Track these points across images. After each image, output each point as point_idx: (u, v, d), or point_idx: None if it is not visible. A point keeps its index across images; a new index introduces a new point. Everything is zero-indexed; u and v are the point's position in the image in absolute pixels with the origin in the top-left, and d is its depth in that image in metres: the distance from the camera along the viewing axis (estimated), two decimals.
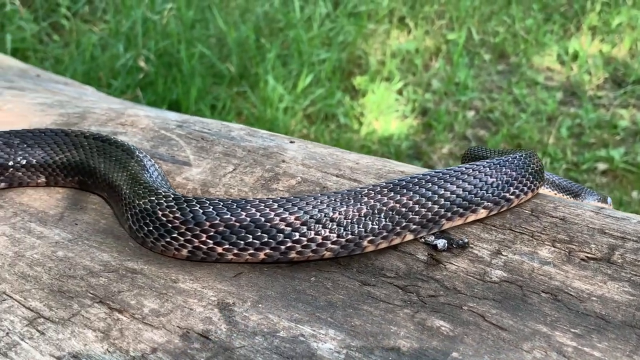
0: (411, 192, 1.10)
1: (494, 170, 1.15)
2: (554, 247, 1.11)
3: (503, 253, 1.11)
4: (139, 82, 4.59)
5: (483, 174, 1.15)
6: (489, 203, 1.14)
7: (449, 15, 5.24)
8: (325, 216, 1.08)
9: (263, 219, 1.07)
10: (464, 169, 1.16)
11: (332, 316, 1.02)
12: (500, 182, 1.15)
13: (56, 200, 1.32)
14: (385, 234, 1.10)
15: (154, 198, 1.10)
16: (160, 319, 1.01)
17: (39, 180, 1.31)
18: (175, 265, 1.14)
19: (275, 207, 1.07)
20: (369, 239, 1.10)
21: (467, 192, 1.12)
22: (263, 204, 1.07)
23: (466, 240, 1.12)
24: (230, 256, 1.09)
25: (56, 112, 1.63)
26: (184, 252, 1.10)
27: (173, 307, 1.03)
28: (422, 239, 1.15)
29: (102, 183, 1.24)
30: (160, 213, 1.08)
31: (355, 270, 1.12)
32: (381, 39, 5.09)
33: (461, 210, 1.13)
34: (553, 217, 1.17)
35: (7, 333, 1.00)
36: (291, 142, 1.44)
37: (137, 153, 1.23)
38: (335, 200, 1.08)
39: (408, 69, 5.03)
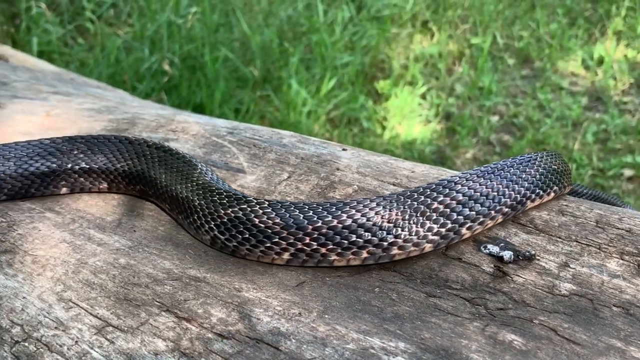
0: (499, 177, 1.16)
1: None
2: (622, 259, 1.10)
3: (571, 265, 1.10)
4: (163, 85, 4.60)
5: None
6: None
7: (473, 20, 5.22)
8: (427, 208, 1.09)
9: (365, 219, 1.07)
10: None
11: (400, 328, 1.01)
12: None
13: (112, 207, 1.32)
14: (481, 218, 1.12)
15: (245, 206, 1.10)
16: (229, 329, 1.00)
17: (100, 187, 1.32)
18: (237, 274, 1.14)
19: (374, 205, 1.08)
20: (467, 225, 1.11)
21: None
22: (361, 204, 1.08)
23: (533, 252, 1.11)
24: (333, 257, 1.09)
25: (105, 118, 1.63)
26: (285, 255, 1.11)
27: (240, 317, 1.03)
28: (487, 250, 1.13)
29: (164, 194, 1.24)
30: (257, 220, 1.08)
31: (419, 282, 1.11)
32: (404, 43, 5.07)
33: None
34: (619, 228, 1.15)
35: (76, 341, 1.00)
36: (343, 149, 1.43)
37: (200, 165, 1.23)
38: (432, 191, 1.10)
39: (431, 73, 5.01)
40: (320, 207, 1.08)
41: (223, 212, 1.11)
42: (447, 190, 1.14)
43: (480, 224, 1.15)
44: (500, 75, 5.02)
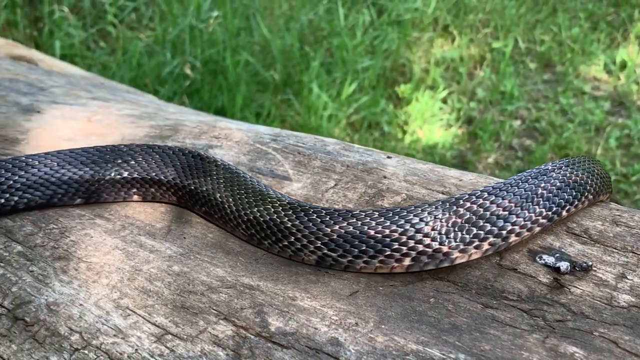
0: (551, 178, 1.18)
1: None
2: None
3: (628, 277, 1.08)
4: (185, 89, 4.63)
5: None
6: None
7: (494, 24, 5.20)
8: (473, 214, 1.10)
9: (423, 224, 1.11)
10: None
11: (459, 339, 1.00)
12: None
13: (160, 214, 1.33)
14: (529, 225, 1.14)
15: (354, 220, 1.10)
16: (287, 338, 1.00)
17: (170, 199, 1.32)
18: (290, 282, 1.14)
19: (432, 209, 1.10)
20: (515, 232, 1.13)
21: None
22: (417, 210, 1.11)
23: (590, 263, 1.10)
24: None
25: (147, 124, 1.64)
26: (407, 261, 1.11)
27: (298, 326, 1.03)
28: (542, 261, 1.13)
29: (237, 218, 1.23)
30: (372, 232, 1.09)
31: (475, 292, 1.10)
32: (425, 47, 5.06)
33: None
34: None
35: (136, 350, 1.00)
36: (388, 157, 1.43)
37: (264, 185, 1.24)
38: (477, 198, 1.12)
39: (452, 77, 5.00)
40: (390, 212, 1.11)
41: (330, 230, 1.11)
42: (493, 197, 1.14)
43: (529, 230, 1.15)
44: (521, 79, 5.00)
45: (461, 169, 4.82)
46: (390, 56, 4.96)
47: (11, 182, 1.28)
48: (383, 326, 1.03)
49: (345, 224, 1.10)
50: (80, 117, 1.72)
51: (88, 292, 1.11)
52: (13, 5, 5.04)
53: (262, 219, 1.16)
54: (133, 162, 1.32)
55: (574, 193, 1.19)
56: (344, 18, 5.02)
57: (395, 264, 1.11)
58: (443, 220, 1.10)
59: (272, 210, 1.15)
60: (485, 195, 1.13)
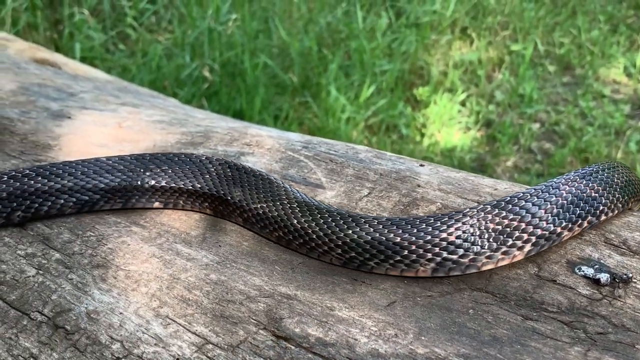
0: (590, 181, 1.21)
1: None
2: None
3: None
4: (203, 91, 4.64)
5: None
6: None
7: (513, 26, 5.17)
8: (502, 220, 1.12)
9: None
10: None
11: (501, 352, 1.00)
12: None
13: (195, 221, 1.34)
14: (575, 221, 1.16)
15: (380, 226, 1.12)
16: (328, 349, 1.00)
17: (206, 211, 1.33)
18: (327, 292, 1.14)
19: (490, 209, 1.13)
20: (563, 225, 1.14)
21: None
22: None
23: (630, 275, 1.09)
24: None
25: (178, 131, 1.65)
26: (430, 266, 1.12)
27: (337, 337, 1.03)
28: (581, 272, 1.12)
29: (265, 222, 1.25)
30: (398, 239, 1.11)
31: (514, 304, 1.09)
32: (443, 50, 5.05)
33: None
34: None
35: (178, 359, 1.00)
36: (421, 165, 1.43)
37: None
38: (507, 204, 1.14)
39: (471, 80, 4.98)
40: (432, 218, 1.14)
41: (354, 234, 1.13)
42: (523, 202, 1.14)
43: (558, 235, 1.15)
44: (540, 82, 4.97)
45: (480, 172, 4.79)
46: (409, 59, 4.95)
47: (60, 186, 1.30)
48: (423, 337, 1.03)
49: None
50: (111, 123, 1.73)
51: (127, 301, 1.11)
52: (33, 7, 5.09)
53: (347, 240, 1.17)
54: (170, 171, 1.33)
55: (604, 201, 1.20)
56: (362, 21, 5.01)
57: (422, 268, 1.13)
58: (470, 227, 1.11)
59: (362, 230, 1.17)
60: (515, 201, 1.14)
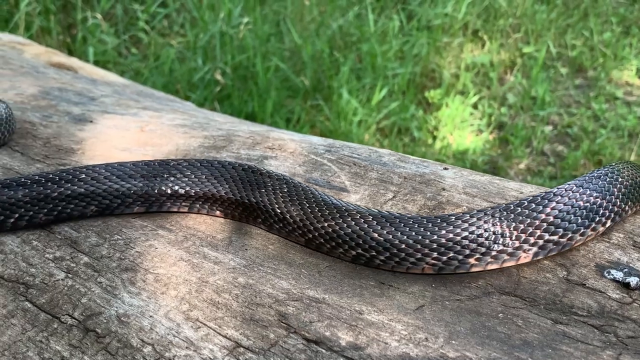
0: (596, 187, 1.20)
1: None
2: None
3: None
4: (215, 95, 4.66)
5: None
6: None
7: (524, 29, 5.16)
8: (526, 217, 1.14)
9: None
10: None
11: (532, 356, 0.99)
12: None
13: (220, 224, 1.34)
14: (582, 230, 1.16)
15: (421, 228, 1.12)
16: (359, 353, 1.00)
17: (232, 216, 1.34)
18: (355, 295, 1.14)
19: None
20: (580, 231, 1.15)
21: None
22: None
23: None
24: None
25: (200, 135, 1.65)
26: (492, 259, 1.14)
27: (368, 341, 1.03)
28: (610, 276, 1.12)
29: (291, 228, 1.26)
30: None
31: (543, 307, 1.09)
32: (455, 52, 5.04)
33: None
34: None
35: None
36: (445, 168, 1.43)
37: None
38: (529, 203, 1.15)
39: (482, 82, 4.97)
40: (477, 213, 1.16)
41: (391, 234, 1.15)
42: (546, 202, 1.15)
43: (582, 235, 1.16)
44: (553, 84, 4.95)
45: (492, 174, 4.78)
46: (420, 61, 4.95)
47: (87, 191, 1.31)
48: (453, 342, 1.03)
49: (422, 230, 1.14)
50: (133, 127, 1.74)
51: (157, 304, 1.12)
52: (47, 12, 5.12)
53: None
54: (193, 177, 1.34)
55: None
56: (374, 23, 5.02)
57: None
58: (491, 225, 1.13)
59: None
60: (539, 200, 1.15)
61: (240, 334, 1.05)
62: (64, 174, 1.35)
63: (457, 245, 1.13)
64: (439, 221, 1.14)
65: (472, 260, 1.14)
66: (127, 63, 4.95)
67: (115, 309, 1.12)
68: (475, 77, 4.98)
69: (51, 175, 1.35)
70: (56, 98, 2.02)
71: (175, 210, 1.36)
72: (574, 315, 1.07)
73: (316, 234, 1.20)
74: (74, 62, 3.21)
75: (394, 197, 1.35)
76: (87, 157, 1.62)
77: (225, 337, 1.05)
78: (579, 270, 1.14)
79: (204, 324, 1.07)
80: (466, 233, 1.13)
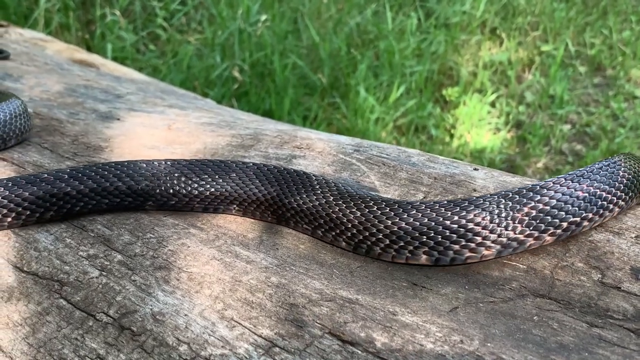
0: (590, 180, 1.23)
1: None
2: None
3: None
4: (233, 92, 4.67)
5: None
6: None
7: (543, 27, 5.12)
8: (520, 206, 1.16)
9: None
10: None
11: (568, 359, 0.99)
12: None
13: (250, 224, 1.35)
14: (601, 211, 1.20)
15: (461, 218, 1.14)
16: (395, 355, 1.01)
17: (263, 217, 1.35)
18: (388, 296, 1.14)
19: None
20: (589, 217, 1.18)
21: None
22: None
23: None
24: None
25: (228, 133, 1.66)
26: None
27: (403, 342, 1.03)
28: None
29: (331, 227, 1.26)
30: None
31: (578, 310, 1.09)
32: (473, 50, 5.02)
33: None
34: None
35: None
36: (475, 169, 1.42)
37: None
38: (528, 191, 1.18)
39: (500, 80, 4.94)
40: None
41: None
42: (545, 191, 1.18)
43: (590, 221, 1.20)
44: (571, 83, 4.91)
45: (510, 174, 4.72)
46: (438, 59, 4.93)
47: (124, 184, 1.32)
48: (489, 344, 1.03)
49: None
50: (160, 125, 1.75)
51: (192, 303, 1.13)
52: (66, 8, 5.16)
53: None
54: (235, 176, 1.35)
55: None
56: (392, 21, 5.00)
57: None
58: (496, 212, 1.15)
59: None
60: (547, 189, 1.17)
61: (275, 334, 1.05)
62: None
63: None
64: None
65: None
66: (144, 60, 4.97)
67: (150, 307, 1.13)
68: (493, 75, 4.95)
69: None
70: (82, 95, 2.03)
71: (211, 211, 1.38)
72: (609, 319, 1.06)
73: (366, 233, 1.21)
74: (95, 59, 3.24)
75: (424, 197, 1.35)
76: (116, 154, 1.63)
77: (260, 336, 1.05)
78: (614, 273, 1.14)
79: (239, 323, 1.08)
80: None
